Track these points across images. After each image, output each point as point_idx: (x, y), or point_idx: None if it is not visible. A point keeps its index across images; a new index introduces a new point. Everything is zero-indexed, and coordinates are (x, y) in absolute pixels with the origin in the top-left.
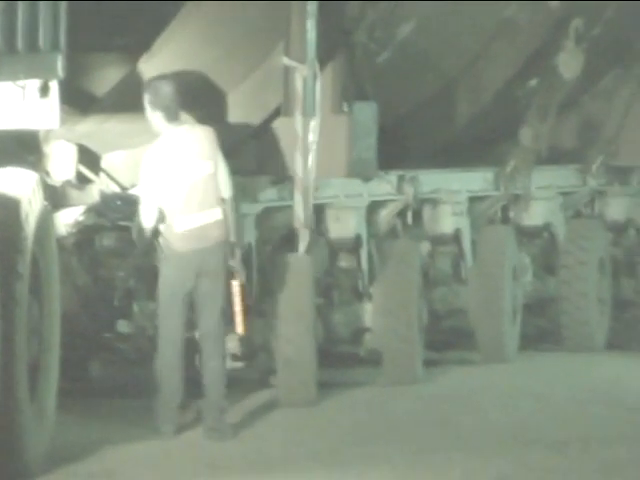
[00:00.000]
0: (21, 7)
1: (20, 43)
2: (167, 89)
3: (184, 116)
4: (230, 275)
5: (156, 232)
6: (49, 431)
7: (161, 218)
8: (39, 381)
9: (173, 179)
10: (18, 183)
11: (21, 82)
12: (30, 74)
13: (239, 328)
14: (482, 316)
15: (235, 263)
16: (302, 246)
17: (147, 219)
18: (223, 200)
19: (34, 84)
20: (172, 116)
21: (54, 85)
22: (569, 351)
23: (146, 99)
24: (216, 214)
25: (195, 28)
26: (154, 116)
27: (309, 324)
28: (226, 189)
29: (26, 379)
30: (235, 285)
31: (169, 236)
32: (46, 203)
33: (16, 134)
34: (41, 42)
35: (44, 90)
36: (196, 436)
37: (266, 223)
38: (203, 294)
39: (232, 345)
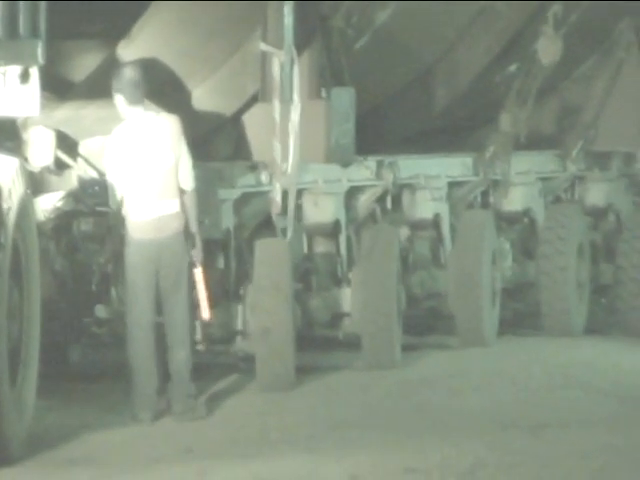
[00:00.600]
0: None
1: (0, 30)
2: (130, 73)
3: (151, 105)
4: (192, 264)
5: (120, 217)
6: (29, 416)
7: (122, 204)
8: (19, 366)
9: (133, 166)
10: (5, 168)
11: (1, 69)
12: (10, 61)
13: (204, 314)
14: (461, 300)
15: (196, 253)
16: (280, 231)
17: (114, 203)
18: (184, 192)
19: (14, 71)
20: (133, 100)
21: (34, 72)
22: (548, 335)
23: (112, 83)
24: (174, 206)
25: (172, 14)
26: (117, 99)
27: (287, 308)
28: (188, 181)
29: (6, 364)
30: (197, 273)
31: (128, 224)
32: (27, 189)
33: None
34: (21, 29)
35: (24, 77)
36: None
37: (244, 209)
38: (165, 283)
39: (205, 331)
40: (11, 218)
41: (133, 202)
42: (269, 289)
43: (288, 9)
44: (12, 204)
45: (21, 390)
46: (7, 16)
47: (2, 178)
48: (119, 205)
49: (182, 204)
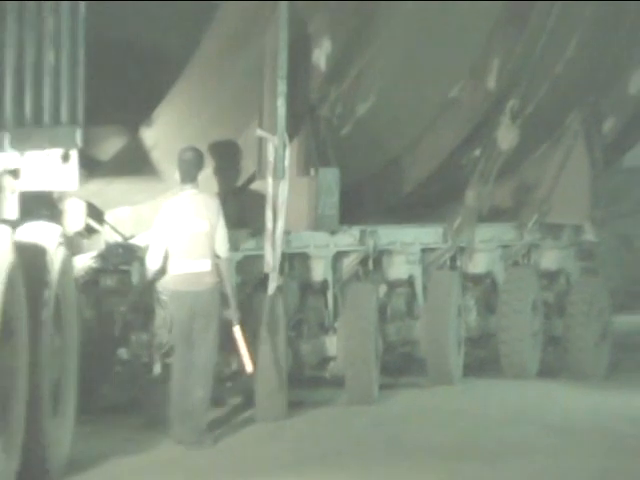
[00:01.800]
0: (47, 85)
1: (46, 117)
2: (184, 156)
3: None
4: (229, 322)
5: (159, 273)
6: (68, 443)
7: (164, 262)
8: (60, 400)
9: (177, 231)
10: (46, 234)
11: (46, 150)
12: (54, 144)
13: (247, 367)
14: (431, 347)
15: (231, 312)
16: (272, 287)
17: (153, 262)
18: (219, 258)
19: (57, 152)
20: (185, 179)
21: (73, 153)
22: (505, 378)
23: (178, 164)
24: (207, 264)
25: (185, 105)
26: (176, 175)
27: (281, 352)
28: (222, 249)
29: (49, 398)
30: (236, 331)
31: (169, 277)
32: (67, 251)
33: (38, 193)
34: (63, 117)
35: (65, 157)
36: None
37: (246, 268)
38: (197, 331)
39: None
40: (54, 276)
41: (175, 260)
42: (265, 336)
43: (281, 101)
44: (56, 264)
45: (61, 420)
46: (52, 105)
47: (48, 242)
48: (153, 263)
49: (217, 266)
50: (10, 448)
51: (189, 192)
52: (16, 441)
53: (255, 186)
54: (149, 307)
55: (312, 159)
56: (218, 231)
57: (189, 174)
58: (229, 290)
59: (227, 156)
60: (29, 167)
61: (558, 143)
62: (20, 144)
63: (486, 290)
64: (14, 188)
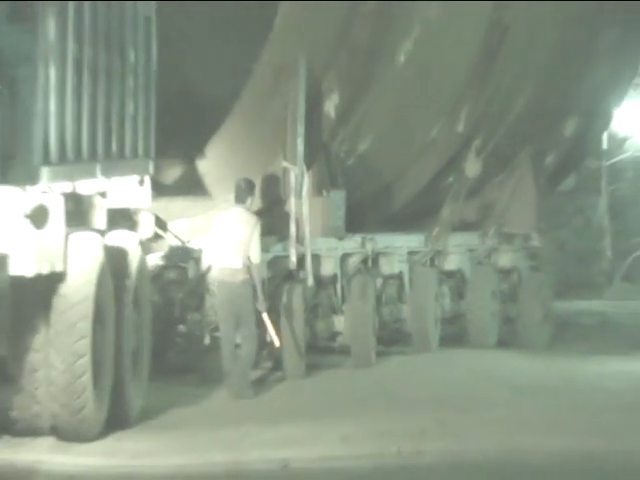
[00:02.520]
0: (128, 128)
1: (127, 152)
2: (238, 184)
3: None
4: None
5: (209, 269)
6: (143, 395)
7: (213, 260)
8: (138, 362)
9: (223, 237)
10: (126, 240)
11: (127, 177)
12: (133, 172)
13: (276, 342)
14: (415, 324)
15: (259, 304)
16: (310, 279)
17: (207, 260)
18: (251, 262)
19: (135, 178)
20: (238, 200)
21: (147, 179)
22: (471, 348)
23: (235, 189)
24: (239, 263)
25: (229, 142)
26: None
27: (301, 328)
28: (254, 256)
29: (130, 361)
30: (264, 317)
31: (215, 270)
32: (142, 253)
33: (120, 209)
34: (139, 151)
35: (141, 182)
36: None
37: (274, 266)
38: (239, 313)
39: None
40: (133, 271)
41: (219, 258)
42: (289, 316)
43: (300, 140)
44: (134, 262)
45: (138, 379)
46: (131, 143)
47: (128, 246)
48: (206, 261)
49: (248, 267)
50: (101, 400)
51: (238, 210)
52: (105, 395)
53: (282, 204)
54: (201, 294)
55: (325, 184)
56: (252, 242)
57: (241, 197)
58: (258, 287)
59: (261, 181)
60: (114, 189)
61: (512, 172)
62: (108, 172)
63: (457, 282)
64: (103, 205)
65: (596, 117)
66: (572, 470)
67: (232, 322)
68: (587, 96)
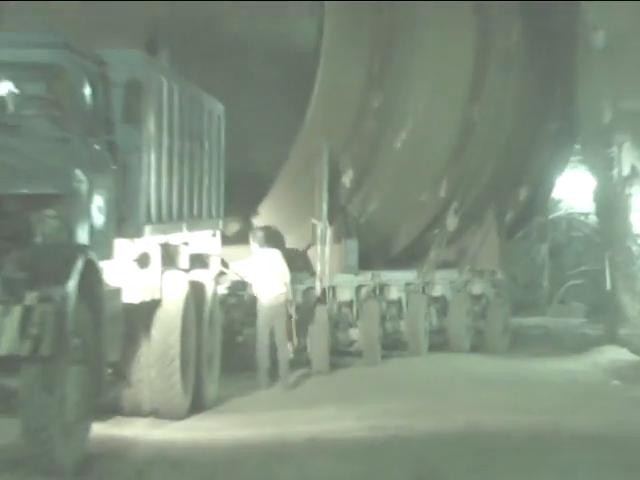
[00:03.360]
0: (204, 196)
1: (204, 213)
2: (260, 233)
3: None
4: (289, 317)
5: (257, 295)
6: (216, 387)
7: (261, 288)
8: (211, 362)
9: (261, 273)
10: (203, 276)
11: (204, 231)
12: (208, 228)
13: (295, 342)
14: (410, 335)
15: (291, 311)
16: (320, 303)
17: (255, 289)
18: (285, 283)
19: (209, 232)
20: (261, 244)
21: (218, 232)
22: (451, 352)
23: (251, 237)
24: (281, 289)
25: (275, 204)
26: (253, 244)
27: (326, 338)
28: (286, 278)
29: (206, 363)
30: (293, 321)
31: (260, 299)
32: (214, 284)
33: (198, 254)
34: (213, 212)
35: (213, 235)
36: (275, 389)
37: (306, 294)
38: (276, 325)
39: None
40: (209, 298)
41: (262, 289)
42: (317, 328)
43: (324, 205)
44: (209, 292)
45: (212, 374)
46: (207, 206)
47: (205, 280)
48: (252, 291)
49: (285, 290)
50: (186, 391)
51: (271, 251)
52: (189, 387)
53: (311, 249)
54: (254, 314)
55: (342, 235)
56: (284, 272)
57: (273, 243)
58: (292, 299)
59: (296, 233)
60: (194, 240)
61: (480, 226)
62: (191, 228)
63: (441, 305)
64: (186, 252)
65: (542, 186)
66: (524, 438)
67: (268, 332)
68: (535, 171)
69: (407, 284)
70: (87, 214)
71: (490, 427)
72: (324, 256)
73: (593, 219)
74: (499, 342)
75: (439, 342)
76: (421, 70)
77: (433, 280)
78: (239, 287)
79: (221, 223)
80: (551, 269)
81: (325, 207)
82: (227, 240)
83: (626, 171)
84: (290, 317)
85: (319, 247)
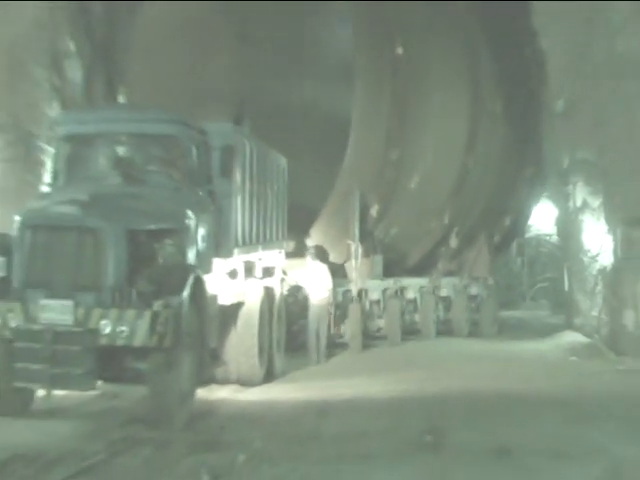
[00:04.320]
0: (274, 224)
1: (274, 236)
2: (313, 251)
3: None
4: (330, 313)
5: (306, 297)
6: (282, 363)
7: (311, 292)
8: (279, 345)
9: (310, 280)
10: (273, 282)
11: (273, 250)
12: (276, 248)
13: (333, 330)
14: (423, 324)
15: (331, 310)
16: (355, 302)
17: (308, 291)
18: (328, 289)
19: (276, 251)
20: (312, 259)
21: (282, 251)
22: (454, 337)
23: (306, 253)
24: (325, 293)
25: (322, 229)
26: (306, 259)
27: (359, 326)
28: (329, 285)
29: (276, 345)
30: (332, 317)
31: (310, 299)
32: (280, 288)
33: (269, 267)
34: (280, 235)
35: (279, 252)
36: (318, 365)
37: (345, 295)
38: (321, 319)
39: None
40: (277, 298)
41: (312, 292)
42: (352, 320)
43: (356, 230)
44: (277, 294)
45: (279, 354)
46: (276, 231)
47: (274, 285)
48: (305, 293)
49: (328, 294)
50: (262, 366)
51: (319, 264)
52: (264, 363)
53: (348, 262)
54: (306, 309)
55: (370, 252)
56: (327, 280)
57: (320, 258)
58: (332, 302)
59: (337, 250)
60: (266, 256)
61: (476, 245)
62: (264, 248)
63: (446, 302)
64: (260, 265)
65: (521, 215)
66: (505, 398)
67: (315, 323)
68: (515, 204)
69: (421, 287)
70: (195, 242)
71: (480, 390)
72: (357, 267)
73: (555, 239)
74: (489, 329)
75: (444, 329)
76: (428, 129)
77: (440, 284)
78: (295, 290)
79: (284, 244)
80: (525, 276)
81: (357, 231)
82: (288, 255)
83: (579, 203)
84: (330, 314)
85: (353, 261)
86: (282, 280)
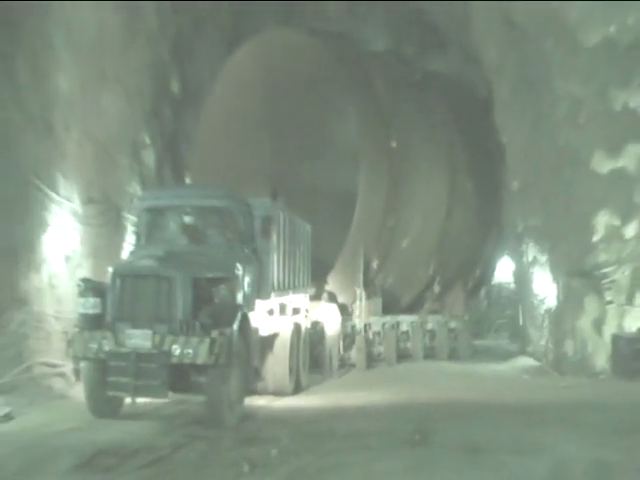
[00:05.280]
0: (300, 274)
1: (300, 283)
2: (325, 295)
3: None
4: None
5: (323, 330)
6: (306, 378)
7: (327, 325)
8: (304, 366)
9: (326, 317)
10: (300, 318)
11: (300, 294)
12: (302, 292)
13: (342, 356)
14: (413, 349)
15: (340, 340)
16: (360, 333)
17: (325, 325)
18: (339, 323)
19: (302, 295)
20: (326, 301)
21: (307, 295)
22: (437, 360)
23: (322, 297)
24: (337, 327)
25: (337, 277)
26: (323, 301)
27: (364, 352)
28: (339, 320)
29: (302, 364)
30: (341, 344)
31: (326, 331)
32: (305, 322)
33: (297, 307)
34: (305, 282)
35: (305, 296)
36: (331, 380)
37: (353, 328)
38: (333, 346)
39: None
40: (303, 330)
41: (327, 326)
42: (360, 342)
43: (361, 280)
44: (303, 325)
45: (305, 371)
46: (302, 279)
47: (301, 320)
48: (322, 327)
49: (339, 328)
50: (292, 380)
51: (331, 305)
52: (293, 378)
53: (355, 303)
54: (323, 337)
55: (372, 294)
56: (338, 317)
57: (331, 300)
58: (341, 333)
59: (347, 294)
60: (295, 299)
61: (454, 290)
62: (293, 292)
63: (431, 334)
64: (291, 305)
65: (488, 268)
66: (475, 405)
67: (329, 349)
68: (484, 259)
69: (412, 322)
70: (242, 287)
71: (457, 400)
72: (362, 307)
73: (513, 286)
74: (464, 354)
75: (430, 354)
76: (416, 202)
77: (427, 320)
78: (315, 324)
79: (308, 289)
80: (490, 313)
81: (362, 280)
82: (310, 298)
83: (530, 259)
84: (340, 341)
85: (359, 302)
86: (306, 317)
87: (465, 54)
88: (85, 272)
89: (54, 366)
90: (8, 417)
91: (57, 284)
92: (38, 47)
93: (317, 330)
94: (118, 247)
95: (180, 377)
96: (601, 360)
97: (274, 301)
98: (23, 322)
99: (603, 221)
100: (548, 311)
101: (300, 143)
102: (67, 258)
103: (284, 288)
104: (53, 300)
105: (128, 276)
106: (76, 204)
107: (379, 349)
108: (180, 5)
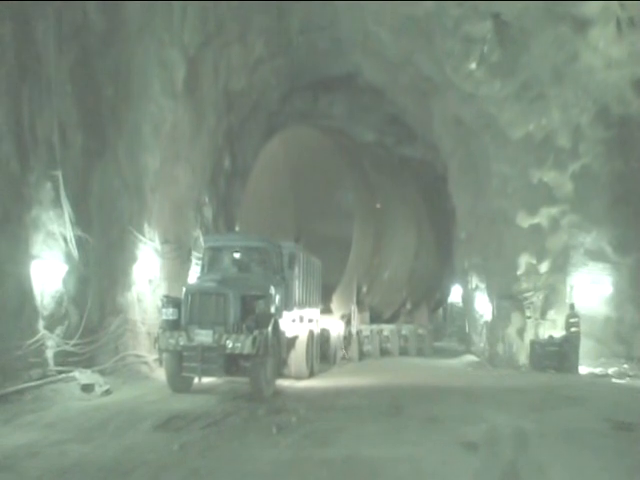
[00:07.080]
0: (312, 294)
1: (309, 302)
2: (330, 308)
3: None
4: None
5: (329, 333)
6: (318, 366)
7: (332, 331)
8: (317, 357)
9: (331, 325)
10: (313, 326)
11: (313, 309)
12: (314, 307)
13: (345, 354)
14: (392, 348)
15: (341, 340)
16: (354, 336)
17: (331, 331)
18: (340, 329)
19: (315, 309)
20: (331, 314)
21: (318, 310)
22: (409, 356)
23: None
24: (340, 331)
25: (339, 295)
26: (329, 314)
27: (356, 350)
28: (340, 328)
29: (315, 357)
30: (343, 347)
31: (330, 335)
32: (317, 329)
33: (311, 318)
34: (316, 301)
35: (317, 310)
36: (337, 367)
37: (348, 334)
38: (337, 344)
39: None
40: (315, 334)
41: (331, 331)
42: (374, 343)
43: (355, 299)
44: (316, 331)
45: (317, 361)
46: (311, 299)
47: (314, 328)
48: (328, 331)
49: (340, 332)
50: (308, 367)
51: (334, 317)
52: (309, 366)
53: (350, 316)
54: (328, 339)
55: (363, 310)
56: (339, 325)
57: (337, 313)
58: (341, 337)
59: (345, 309)
60: (310, 312)
61: (421, 307)
62: (309, 307)
63: (404, 337)
64: (307, 317)
65: (445, 292)
66: (434, 389)
67: (334, 347)
68: (442, 286)
69: (391, 329)
70: (274, 302)
71: (421, 384)
72: (356, 318)
73: (461, 305)
74: (427, 352)
75: (404, 352)
76: (393, 248)
77: (402, 328)
78: (324, 330)
79: (319, 305)
80: (445, 324)
81: (355, 299)
82: (320, 311)
83: (473, 286)
84: (340, 342)
85: (353, 315)
86: (317, 325)
87: (428, 144)
88: (162, 291)
89: (140, 357)
90: (108, 392)
91: (143, 299)
92: (133, 135)
93: (325, 334)
94: (185, 274)
95: (232, 363)
96: (522, 357)
97: (296, 313)
98: (119, 325)
99: (524, 261)
100: (486, 323)
101: (314, 206)
102: (150, 281)
103: (302, 304)
104: (140, 310)
105: (196, 293)
106: (157, 244)
107: (368, 348)
108: (231, 106)
